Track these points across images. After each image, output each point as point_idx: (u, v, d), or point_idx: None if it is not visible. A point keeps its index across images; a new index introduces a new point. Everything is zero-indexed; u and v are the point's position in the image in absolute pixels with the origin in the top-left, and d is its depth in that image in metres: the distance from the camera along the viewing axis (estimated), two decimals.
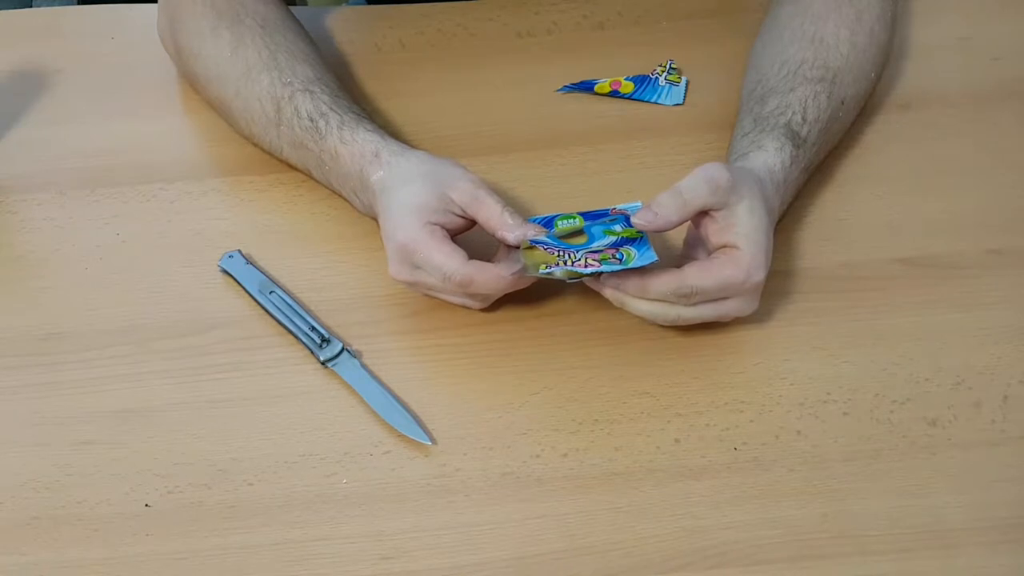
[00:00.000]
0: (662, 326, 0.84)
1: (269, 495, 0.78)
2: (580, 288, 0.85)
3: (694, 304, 0.80)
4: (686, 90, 1.01)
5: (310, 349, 0.84)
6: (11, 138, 1.01)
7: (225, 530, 0.77)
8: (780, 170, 0.86)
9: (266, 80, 0.92)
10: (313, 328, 0.85)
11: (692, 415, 0.81)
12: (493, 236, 0.82)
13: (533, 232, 0.81)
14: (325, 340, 0.84)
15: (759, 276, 0.80)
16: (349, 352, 0.84)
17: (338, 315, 0.87)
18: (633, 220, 0.79)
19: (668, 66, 1.02)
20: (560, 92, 1.02)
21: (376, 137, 0.88)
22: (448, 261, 0.80)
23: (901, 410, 0.81)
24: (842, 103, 0.92)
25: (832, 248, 0.90)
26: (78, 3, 1.34)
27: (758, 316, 0.85)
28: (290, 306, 0.86)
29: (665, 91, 1.01)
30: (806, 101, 0.90)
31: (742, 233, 0.79)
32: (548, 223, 0.83)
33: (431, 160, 0.86)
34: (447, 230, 0.82)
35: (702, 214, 0.80)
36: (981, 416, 0.81)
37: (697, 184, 0.79)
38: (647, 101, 1.01)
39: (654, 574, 0.74)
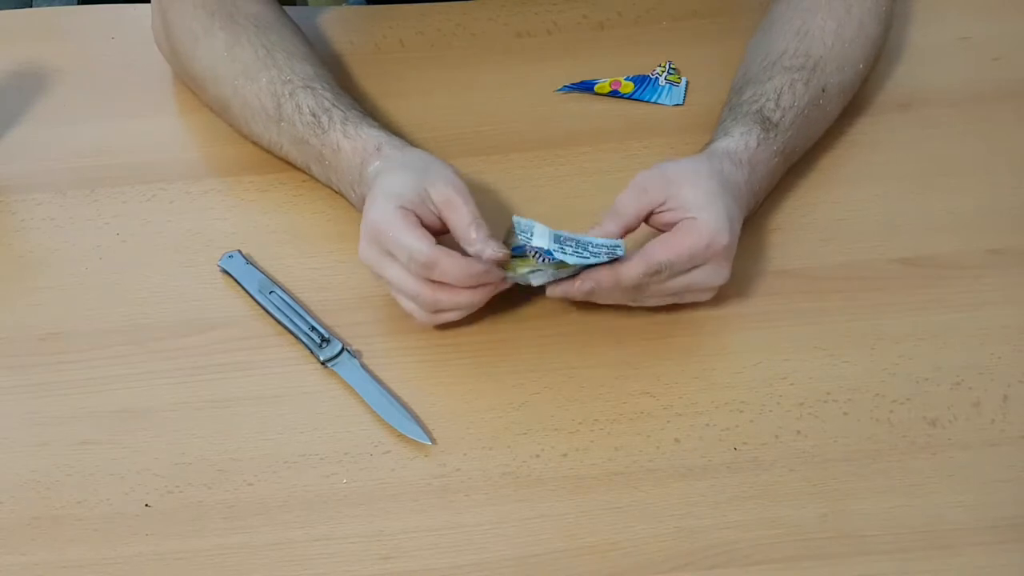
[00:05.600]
0: (654, 317, 0.84)
1: (269, 495, 0.78)
2: None
3: (669, 279, 0.81)
4: (686, 90, 1.01)
5: (310, 349, 0.84)
6: (11, 138, 1.01)
7: (225, 530, 0.77)
8: (744, 150, 0.87)
9: (264, 78, 0.92)
10: (313, 328, 0.85)
11: (692, 415, 0.81)
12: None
13: (492, 251, 0.80)
14: (325, 340, 0.84)
15: (722, 240, 0.80)
16: (349, 352, 0.84)
17: (338, 315, 0.87)
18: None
19: (668, 66, 1.02)
20: (560, 92, 1.02)
21: (380, 133, 0.88)
22: (415, 242, 0.79)
23: (901, 410, 0.81)
24: (823, 91, 0.92)
25: (832, 248, 0.90)
26: (78, 3, 1.34)
27: (758, 316, 0.85)
28: (290, 306, 0.86)
29: (665, 91, 1.01)
30: (781, 88, 0.90)
31: (694, 206, 0.81)
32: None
33: (425, 157, 0.86)
34: (423, 222, 0.82)
35: (650, 217, 0.83)
36: (981, 416, 0.81)
37: (627, 192, 0.83)
38: (647, 101, 1.01)
39: (654, 574, 0.74)
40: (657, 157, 0.96)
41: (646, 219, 0.83)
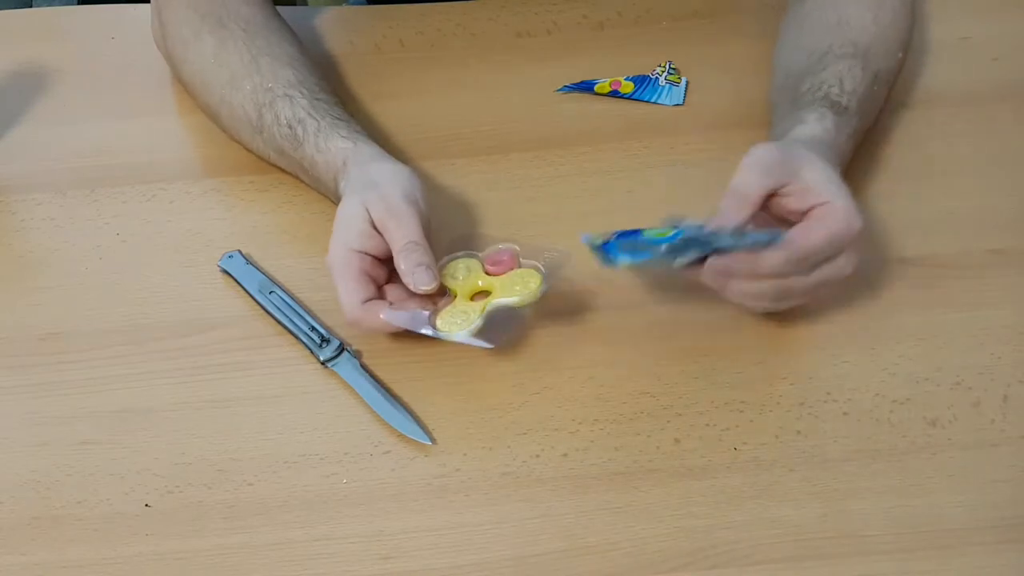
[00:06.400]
0: (653, 317, 0.84)
1: (269, 495, 0.78)
2: (580, 288, 0.86)
3: (810, 270, 0.78)
4: (686, 90, 1.01)
5: (310, 349, 0.84)
6: (11, 138, 1.01)
7: (225, 530, 0.77)
8: (824, 135, 0.85)
9: (248, 86, 0.92)
10: (313, 328, 0.85)
11: (692, 415, 0.81)
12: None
13: (414, 283, 0.78)
14: (325, 340, 0.84)
15: (857, 224, 0.78)
16: (349, 352, 0.84)
17: (338, 315, 0.86)
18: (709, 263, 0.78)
19: (668, 66, 1.02)
20: (560, 92, 1.02)
21: (348, 145, 0.87)
22: (345, 297, 0.79)
23: (901, 410, 0.81)
24: (875, 76, 0.91)
25: None
26: (78, 3, 1.34)
27: (758, 316, 0.85)
28: (290, 306, 0.86)
29: (665, 91, 1.01)
30: (841, 74, 0.89)
31: (823, 190, 0.78)
32: (635, 234, 0.80)
33: (378, 171, 0.84)
34: (372, 255, 0.81)
35: (769, 200, 0.78)
36: (981, 416, 0.81)
37: (748, 173, 0.78)
38: (647, 101, 1.01)
39: (654, 574, 0.74)
40: (657, 157, 0.96)
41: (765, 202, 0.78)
